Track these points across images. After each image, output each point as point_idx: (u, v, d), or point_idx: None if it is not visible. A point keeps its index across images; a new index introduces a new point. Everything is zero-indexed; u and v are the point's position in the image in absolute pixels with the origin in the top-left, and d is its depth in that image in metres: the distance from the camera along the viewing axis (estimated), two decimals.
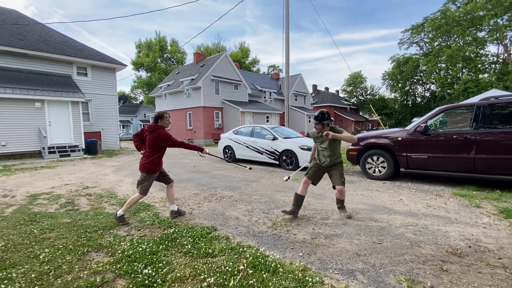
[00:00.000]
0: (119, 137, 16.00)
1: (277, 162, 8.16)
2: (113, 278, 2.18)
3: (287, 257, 2.56)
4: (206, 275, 2.17)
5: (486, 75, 29.64)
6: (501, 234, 3.03)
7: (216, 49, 47.01)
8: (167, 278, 2.15)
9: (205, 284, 2.05)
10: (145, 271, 2.24)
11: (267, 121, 24.40)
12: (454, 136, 5.08)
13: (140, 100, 53.53)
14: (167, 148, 3.55)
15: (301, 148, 7.55)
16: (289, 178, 4.05)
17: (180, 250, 2.65)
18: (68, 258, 2.51)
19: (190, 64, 28.34)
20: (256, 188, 5.44)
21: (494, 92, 13.98)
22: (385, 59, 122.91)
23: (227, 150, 9.67)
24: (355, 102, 51.00)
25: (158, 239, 2.90)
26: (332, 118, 3.74)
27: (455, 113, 5.65)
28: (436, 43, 34.88)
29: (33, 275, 2.20)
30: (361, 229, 3.20)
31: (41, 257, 2.51)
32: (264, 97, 28.95)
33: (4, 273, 2.24)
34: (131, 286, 2.05)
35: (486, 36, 29.70)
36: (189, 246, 2.70)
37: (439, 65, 33.40)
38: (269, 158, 8.33)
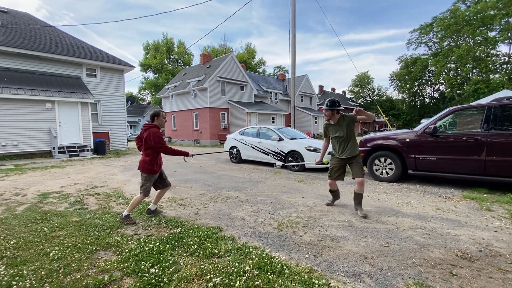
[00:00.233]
0: (127, 137, 16.23)
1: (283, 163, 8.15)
2: (120, 276, 2.21)
3: (293, 258, 2.54)
4: (212, 275, 2.17)
5: (497, 75, 29.04)
6: None
7: (222, 51, 47.21)
8: (174, 278, 2.16)
9: (211, 284, 2.06)
10: (152, 270, 2.26)
11: (273, 122, 24.34)
12: (464, 138, 4.98)
13: (148, 101, 54.14)
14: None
15: (307, 149, 7.51)
16: (282, 165, 4.09)
17: (186, 250, 2.67)
18: (77, 256, 2.56)
19: (196, 65, 28.49)
20: (261, 189, 5.44)
21: (505, 93, 13.69)
22: (392, 59, 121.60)
23: (233, 151, 9.70)
24: (362, 103, 50.57)
25: (164, 238, 2.93)
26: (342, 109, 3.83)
27: (465, 114, 5.54)
28: (445, 43, 34.37)
29: (43, 272, 2.25)
30: (368, 232, 3.16)
31: (51, 254, 2.56)
32: (270, 98, 28.89)
33: (16, 270, 2.29)
34: (138, 285, 2.07)
35: (497, 36, 29.12)
36: (195, 246, 2.72)
37: (448, 65, 32.88)
38: (275, 159, 8.31)
